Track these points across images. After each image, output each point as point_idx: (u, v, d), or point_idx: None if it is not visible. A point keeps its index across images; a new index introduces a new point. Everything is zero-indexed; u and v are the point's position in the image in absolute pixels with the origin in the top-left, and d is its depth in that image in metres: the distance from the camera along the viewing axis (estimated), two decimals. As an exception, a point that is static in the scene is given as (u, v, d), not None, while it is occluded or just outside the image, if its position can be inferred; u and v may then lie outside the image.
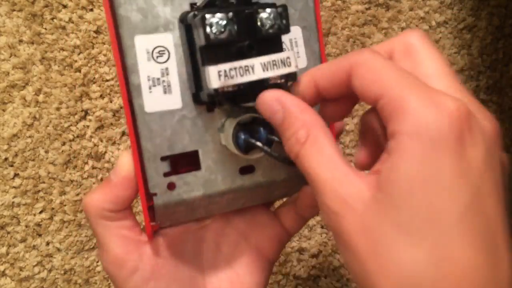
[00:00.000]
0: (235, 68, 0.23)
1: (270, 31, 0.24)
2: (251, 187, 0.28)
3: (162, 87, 0.25)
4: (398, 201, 0.19)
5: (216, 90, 0.23)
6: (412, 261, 0.19)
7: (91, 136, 0.49)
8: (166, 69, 0.25)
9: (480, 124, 0.20)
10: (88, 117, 0.49)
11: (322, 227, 0.58)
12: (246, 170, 0.28)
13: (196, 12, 0.24)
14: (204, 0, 0.25)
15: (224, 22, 0.23)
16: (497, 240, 0.19)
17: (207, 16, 0.23)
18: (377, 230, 0.20)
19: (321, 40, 0.29)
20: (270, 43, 0.25)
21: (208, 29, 0.23)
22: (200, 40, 0.24)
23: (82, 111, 0.48)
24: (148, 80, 0.25)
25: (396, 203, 0.19)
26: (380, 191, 0.20)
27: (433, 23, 0.57)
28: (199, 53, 0.24)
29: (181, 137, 0.26)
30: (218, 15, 0.23)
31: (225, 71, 0.23)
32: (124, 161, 0.26)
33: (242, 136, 0.26)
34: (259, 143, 0.25)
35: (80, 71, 0.47)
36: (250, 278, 0.31)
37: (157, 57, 0.25)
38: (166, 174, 0.26)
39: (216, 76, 0.23)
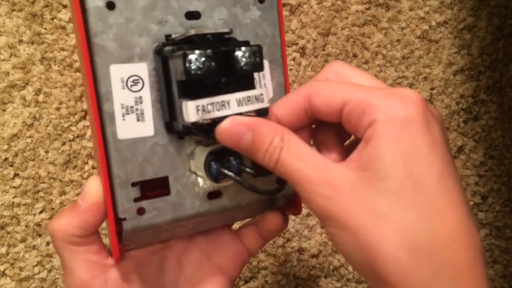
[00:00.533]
0: (212, 103, 0.24)
1: (245, 68, 0.25)
2: (217, 211, 0.29)
3: (135, 115, 0.26)
4: (384, 174, 0.22)
5: (193, 123, 0.24)
6: (408, 223, 0.22)
7: (91, 136, 0.49)
8: (140, 97, 0.26)
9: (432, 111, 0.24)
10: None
11: (321, 227, 0.58)
12: (214, 195, 0.29)
13: (174, 47, 0.25)
14: (181, 34, 0.26)
15: (203, 59, 0.24)
16: (464, 194, 0.23)
17: (188, 52, 0.24)
18: (370, 202, 0.22)
19: (286, 73, 0.30)
20: (244, 79, 0.26)
21: (187, 65, 0.24)
22: (178, 75, 0.25)
23: (82, 111, 0.48)
24: (122, 108, 0.26)
25: (383, 176, 0.22)
26: (364, 170, 0.23)
27: (433, 23, 0.57)
28: (176, 86, 0.25)
29: (152, 163, 0.27)
30: (197, 52, 0.24)
31: (203, 106, 0.24)
32: (92, 187, 0.27)
33: (214, 166, 0.27)
34: (231, 174, 0.26)
35: (80, 71, 0.47)
36: None
37: (131, 85, 0.26)
38: (136, 200, 0.26)
39: (194, 110, 0.24)
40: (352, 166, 0.23)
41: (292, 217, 0.58)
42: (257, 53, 0.25)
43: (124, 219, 0.26)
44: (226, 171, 0.26)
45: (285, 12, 0.52)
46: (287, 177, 0.24)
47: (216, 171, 0.27)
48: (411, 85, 0.58)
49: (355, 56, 0.55)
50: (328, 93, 0.25)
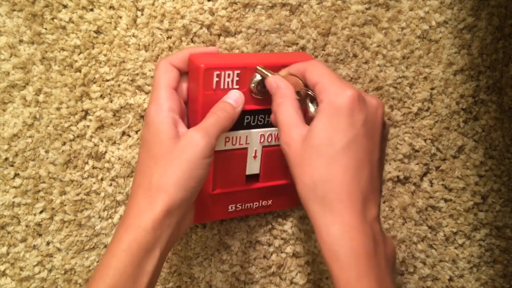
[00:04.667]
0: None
1: None
2: None
3: None
4: (315, 138, 0.37)
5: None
6: (318, 170, 0.37)
7: (91, 136, 0.49)
8: None
9: (367, 101, 0.38)
10: (88, 117, 0.49)
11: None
12: None
13: None
14: None
15: None
16: (364, 161, 0.37)
17: None
18: (305, 153, 0.38)
19: None
20: None
21: None
22: None
23: (82, 111, 0.48)
24: None
25: (315, 140, 0.37)
26: (309, 132, 0.38)
27: (433, 23, 0.57)
28: None
29: None
30: None
31: None
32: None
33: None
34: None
35: (80, 71, 0.47)
36: None
37: None
38: None
39: None
40: (307, 128, 0.39)
41: (290, 219, 0.58)
42: None
43: None
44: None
45: (285, 12, 0.52)
46: (276, 121, 0.41)
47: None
48: (411, 85, 0.58)
49: (355, 56, 0.55)
50: (313, 73, 0.41)
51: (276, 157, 0.51)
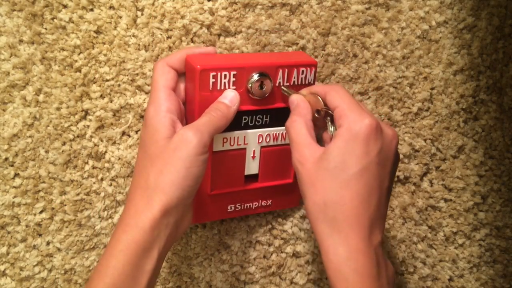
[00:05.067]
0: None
1: None
2: None
3: None
4: (331, 161, 0.38)
5: None
6: (330, 192, 0.38)
7: (91, 136, 0.49)
8: None
9: (383, 131, 0.40)
10: (88, 117, 0.49)
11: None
12: None
13: None
14: None
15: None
16: (375, 188, 0.38)
17: None
18: (318, 174, 0.39)
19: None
20: None
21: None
22: None
23: (82, 111, 0.48)
24: None
25: (330, 162, 0.38)
26: (324, 154, 0.39)
27: (433, 23, 0.57)
28: None
29: None
30: None
31: None
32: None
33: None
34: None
35: (80, 71, 0.47)
36: None
37: None
38: None
39: None
40: (322, 150, 0.40)
41: (290, 219, 0.58)
42: None
43: None
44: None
45: (285, 12, 0.52)
46: (289, 138, 0.43)
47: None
48: (411, 85, 0.58)
49: (355, 56, 0.55)
50: (333, 96, 0.42)
51: (275, 157, 0.51)
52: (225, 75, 0.44)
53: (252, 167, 0.50)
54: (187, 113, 0.46)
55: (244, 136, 0.48)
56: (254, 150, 0.49)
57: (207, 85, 0.44)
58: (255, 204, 0.53)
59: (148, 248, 0.38)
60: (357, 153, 0.38)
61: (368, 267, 0.37)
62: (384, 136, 0.39)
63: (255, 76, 0.45)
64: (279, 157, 0.51)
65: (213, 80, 0.44)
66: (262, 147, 0.50)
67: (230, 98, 0.44)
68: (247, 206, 0.52)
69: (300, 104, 0.44)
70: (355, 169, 0.38)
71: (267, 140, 0.50)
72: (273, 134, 0.49)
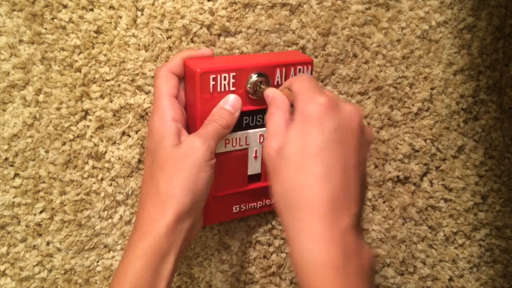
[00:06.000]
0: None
1: None
2: None
3: None
4: (287, 147, 0.37)
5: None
6: (287, 179, 0.37)
7: (91, 136, 0.49)
8: None
9: (340, 107, 0.37)
10: (88, 117, 0.49)
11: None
12: None
13: None
14: None
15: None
16: (335, 168, 0.36)
17: None
18: (278, 162, 0.38)
19: None
20: None
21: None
22: None
23: (82, 111, 0.48)
24: None
25: (287, 148, 0.37)
26: (283, 142, 0.38)
27: (433, 23, 0.57)
28: None
29: None
30: None
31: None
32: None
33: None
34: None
35: (80, 71, 0.47)
36: None
37: None
38: None
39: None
40: (284, 135, 0.39)
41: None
42: None
43: None
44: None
45: (285, 12, 0.52)
46: (266, 127, 0.41)
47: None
48: (411, 85, 0.58)
49: (355, 56, 0.55)
50: (296, 85, 0.40)
51: None
52: (225, 77, 0.44)
53: (254, 167, 0.50)
54: (188, 116, 0.46)
55: (246, 136, 0.48)
56: (256, 150, 0.50)
57: (207, 88, 0.44)
58: (259, 204, 0.53)
59: (165, 253, 0.39)
60: (312, 134, 0.36)
61: (332, 257, 0.34)
62: (341, 112, 0.37)
63: (254, 77, 0.45)
64: None
65: (213, 82, 0.44)
66: (263, 146, 0.50)
67: (232, 104, 0.45)
68: (251, 206, 0.52)
69: (276, 97, 0.42)
70: (311, 150, 0.36)
71: None
72: None
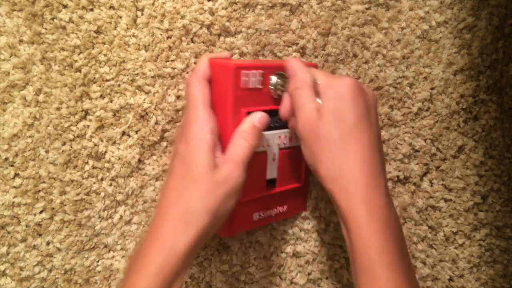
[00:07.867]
0: None
1: None
2: None
3: None
4: (328, 116, 0.42)
5: None
6: (334, 141, 0.41)
7: (91, 136, 0.49)
8: None
9: (364, 89, 0.44)
10: (88, 117, 0.49)
11: (317, 231, 0.58)
12: None
13: None
14: None
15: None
16: (373, 136, 0.42)
17: None
18: (321, 129, 0.42)
19: None
20: None
21: None
22: None
23: (82, 111, 0.48)
24: None
25: (328, 117, 0.42)
26: (321, 112, 0.42)
27: (433, 23, 0.57)
28: None
29: None
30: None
31: None
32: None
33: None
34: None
35: (80, 71, 0.47)
36: None
37: None
38: None
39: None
40: (318, 109, 0.42)
41: (291, 219, 0.58)
42: None
43: None
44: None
45: (285, 12, 0.52)
46: (294, 101, 0.44)
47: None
48: (411, 85, 0.58)
49: (355, 56, 0.55)
50: (313, 72, 0.45)
51: (290, 160, 0.50)
52: (254, 73, 0.45)
53: (272, 171, 0.50)
54: (217, 115, 0.45)
55: (266, 138, 0.48)
56: (274, 153, 0.49)
57: (238, 83, 0.44)
58: (275, 211, 0.52)
59: (180, 272, 0.40)
60: (349, 107, 0.42)
61: (386, 220, 0.40)
62: (365, 93, 0.44)
63: (277, 76, 0.46)
64: (293, 159, 0.51)
65: (245, 78, 0.44)
66: (280, 149, 0.49)
67: (261, 121, 0.45)
68: (269, 213, 0.52)
69: (301, 69, 0.45)
70: (352, 119, 0.41)
71: (284, 142, 0.49)
72: (288, 135, 0.49)
